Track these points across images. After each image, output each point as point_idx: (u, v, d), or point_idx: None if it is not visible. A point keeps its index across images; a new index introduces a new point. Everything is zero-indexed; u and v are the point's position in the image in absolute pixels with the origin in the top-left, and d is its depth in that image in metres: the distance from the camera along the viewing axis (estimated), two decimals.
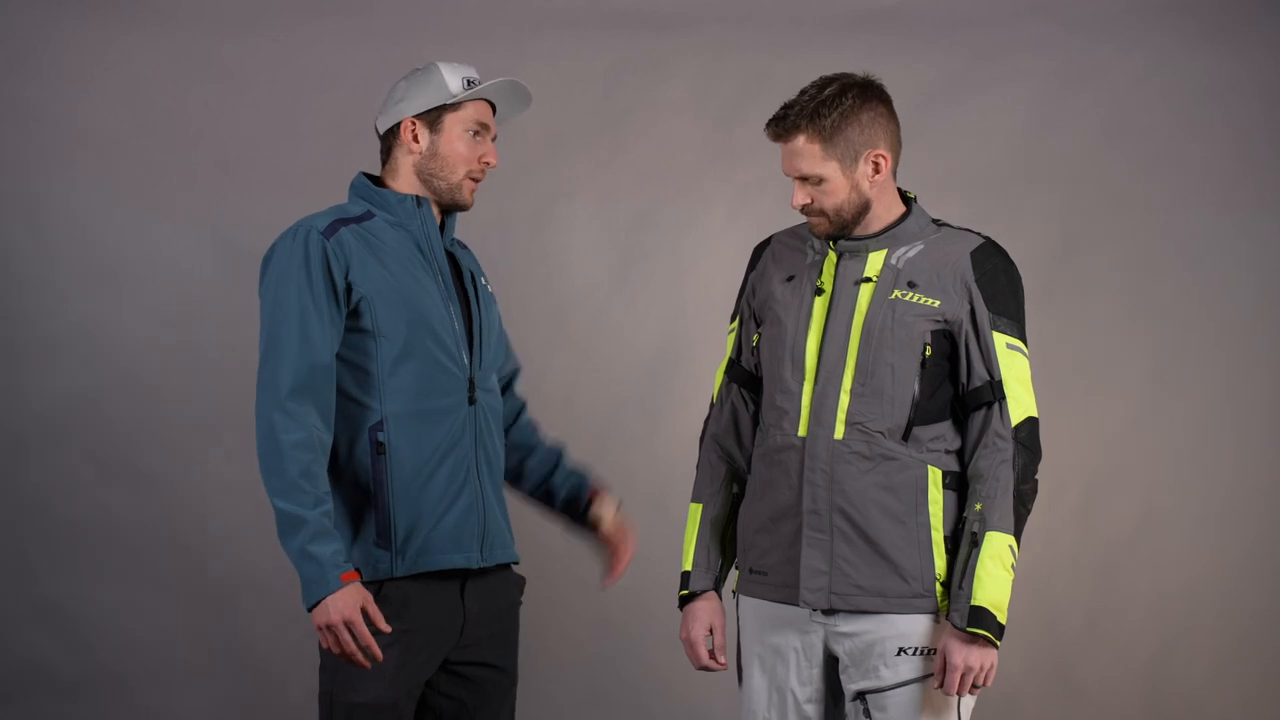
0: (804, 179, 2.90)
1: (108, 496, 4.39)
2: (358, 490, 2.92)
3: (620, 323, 4.59)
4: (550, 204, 4.56)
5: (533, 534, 4.51)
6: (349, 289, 2.90)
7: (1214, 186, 4.65)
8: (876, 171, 2.91)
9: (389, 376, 2.92)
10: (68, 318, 4.39)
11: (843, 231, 2.95)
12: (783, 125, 2.89)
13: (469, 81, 3.02)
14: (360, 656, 2.81)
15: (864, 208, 2.94)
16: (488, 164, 3.04)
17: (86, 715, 4.39)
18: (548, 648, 4.51)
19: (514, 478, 3.25)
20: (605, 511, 3.22)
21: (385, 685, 2.89)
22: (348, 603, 2.77)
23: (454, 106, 3.01)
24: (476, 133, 3.02)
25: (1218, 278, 4.64)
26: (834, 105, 2.87)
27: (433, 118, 3.01)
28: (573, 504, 3.26)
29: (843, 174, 2.90)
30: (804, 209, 2.93)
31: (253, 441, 2.85)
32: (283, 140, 4.45)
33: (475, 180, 3.04)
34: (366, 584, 2.89)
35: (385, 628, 2.81)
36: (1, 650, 4.37)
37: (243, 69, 4.46)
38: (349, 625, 2.78)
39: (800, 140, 2.88)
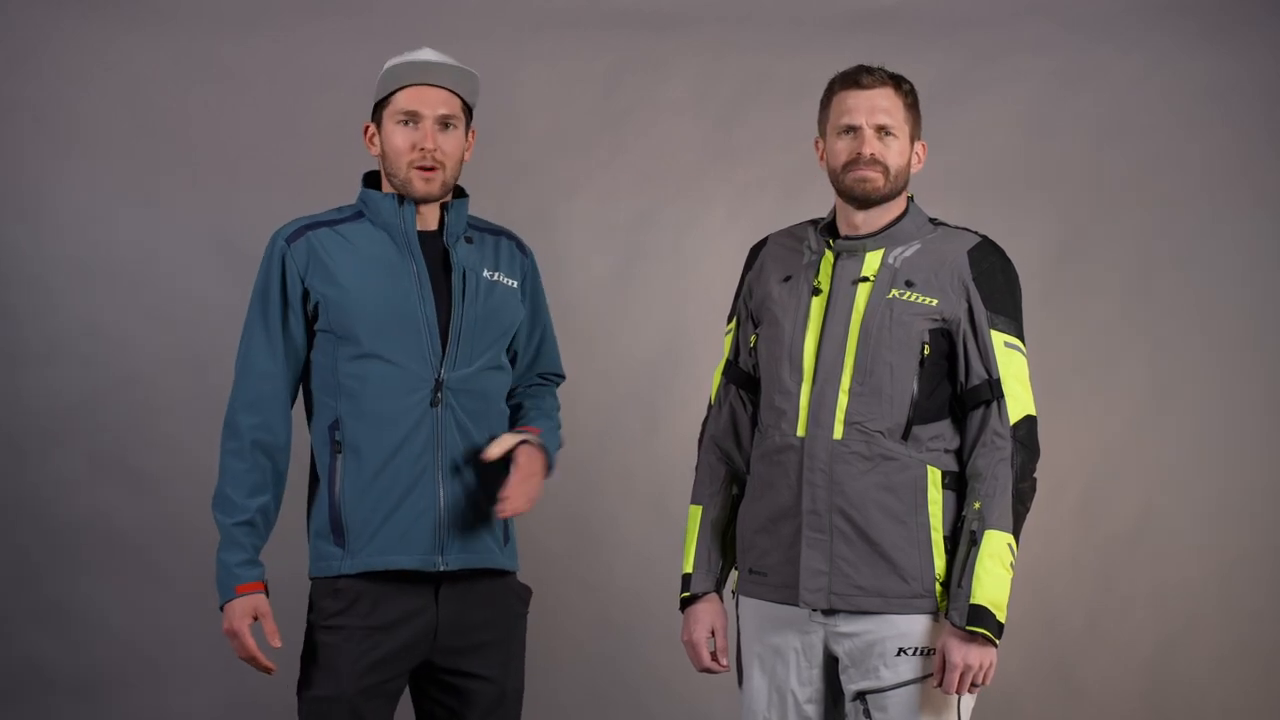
0: (880, 128, 2.93)
1: (107, 497, 4.39)
2: (318, 485, 3.01)
3: (620, 323, 4.59)
4: (550, 204, 4.56)
5: (532, 535, 4.53)
6: (306, 294, 2.97)
7: (1213, 187, 4.64)
8: (919, 160, 3.00)
9: (346, 377, 2.97)
10: (67, 318, 4.39)
11: (882, 200, 2.96)
12: (873, 75, 2.95)
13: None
14: (253, 664, 2.96)
15: (902, 188, 2.98)
16: (424, 150, 2.98)
17: (86, 715, 4.39)
18: (548, 648, 4.50)
19: None
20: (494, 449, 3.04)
21: (338, 681, 2.95)
22: (238, 613, 2.93)
23: (385, 102, 3.01)
24: (406, 121, 2.99)
25: (1217, 277, 4.64)
26: (908, 83, 2.98)
27: (378, 119, 3.03)
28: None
29: (908, 142, 2.97)
30: (871, 158, 2.92)
31: None
32: (283, 140, 4.45)
33: (424, 168, 2.99)
34: (322, 579, 2.99)
35: (276, 643, 2.95)
36: (1, 650, 4.37)
37: (243, 69, 4.46)
38: (234, 635, 2.93)
39: (890, 91, 2.95)
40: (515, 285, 3.13)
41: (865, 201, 2.95)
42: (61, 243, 4.40)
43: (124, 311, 4.41)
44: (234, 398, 3.00)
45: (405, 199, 3.01)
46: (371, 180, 3.11)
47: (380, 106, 3.02)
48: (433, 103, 3.00)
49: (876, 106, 2.94)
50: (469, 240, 3.10)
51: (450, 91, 3.03)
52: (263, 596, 2.95)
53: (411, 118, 2.99)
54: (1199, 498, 4.63)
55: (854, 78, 2.96)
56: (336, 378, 2.97)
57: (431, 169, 2.99)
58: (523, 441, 3.05)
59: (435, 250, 3.04)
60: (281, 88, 4.48)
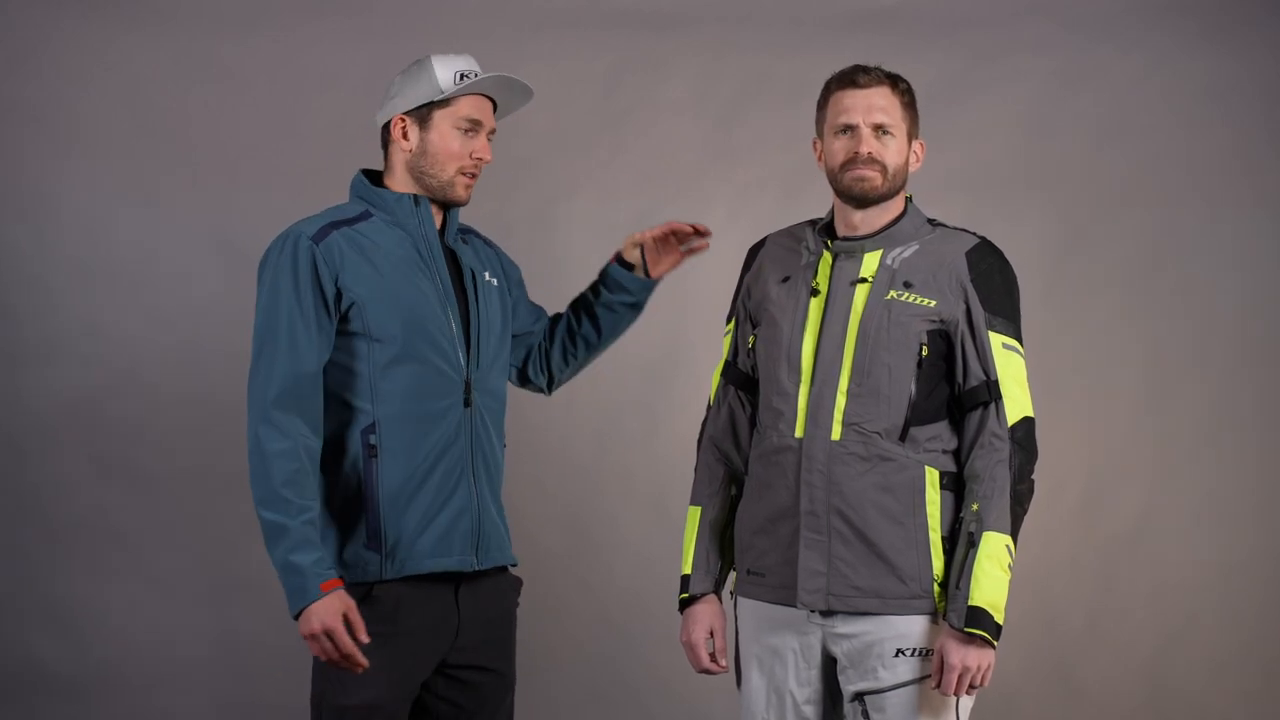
0: (878, 127, 2.92)
1: (107, 496, 4.40)
2: (349, 492, 2.92)
3: None
4: (550, 204, 4.56)
5: (532, 535, 4.53)
6: (339, 295, 2.90)
7: (1213, 186, 4.65)
8: (917, 160, 2.99)
9: (381, 380, 2.91)
10: (67, 318, 4.39)
11: (879, 200, 2.95)
12: (869, 74, 2.94)
13: (461, 75, 2.98)
14: (346, 663, 2.83)
15: (900, 187, 2.97)
16: (480, 160, 3.00)
17: (86, 715, 4.39)
18: (548, 648, 4.51)
19: (583, 342, 3.30)
20: (629, 250, 3.24)
21: (377, 688, 2.89)
22: (328, 611, 2.80)
23: (444, 103, 2.98)
24: (468, 129, 2.98)
25: (1217, 277, 4.64)
26: (905, 82, 2.98)
27: (422, 114, 2.98)
28: (604, 283, 3.26)
29: (905, 141, 2.96)
30: (869, 156, 2.92)
31: None
32: (283, 140, 4.45)
33: (468, 175, 3.00)
34: (357, 585, 2.90)
35: (364, 637, 2.83)
36: (1, 650, 4.38)
37: (243, 69, 4.46)
38: (329, 634, 2.80)
39: (886, 90, 2.94)
40: (498, 284, 3.13)
41: (863, 201, 2.94)
42: (61, 243, 4.40)
43: (124, 311, 4.41)
44: (261, 398, 2.84)
45: (421, 200, 3.00)
46: (372, 178, 3.07)
47: (434, 106, 2.97)
48: (490, 115, 3.03)
49: (873, 105, 2.93)
50: (465, 241, 3.11)
51: (494, 108, 3.06)
52: (345, 592, 2.83)
53: (475, 127, 2.99)
54: (1199, 498, 4.63)
55: (851, 77, 2.96)
56: (370, 381, 2.91)
57: (473, 177, 3.01)
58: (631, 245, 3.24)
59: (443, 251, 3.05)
60: (281, 88, 4.48)
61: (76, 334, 4.39)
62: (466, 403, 2.97)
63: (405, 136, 2.99)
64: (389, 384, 2.91)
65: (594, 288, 3.29)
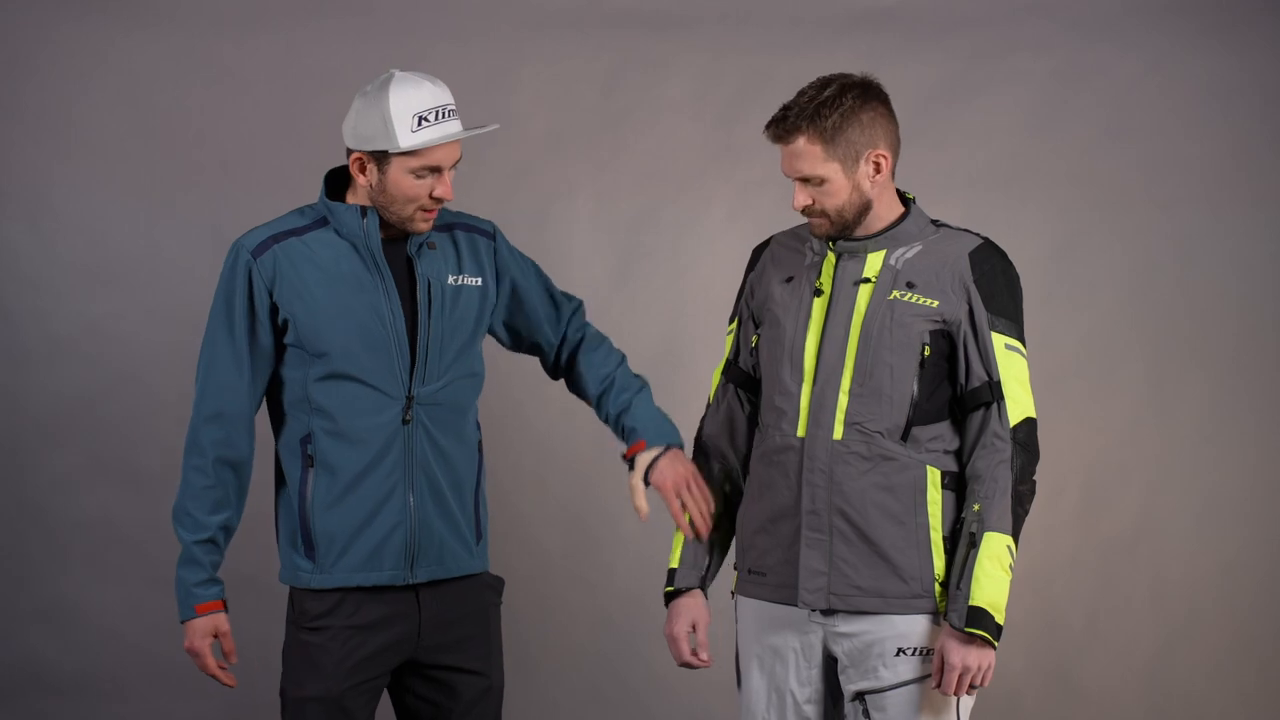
0: (805, 180, 2.88)
1: (108, 496, 4.39)
2: (292, 498, 3.00)
3: (620, 323, 4.56)
4: (550, 204, 4.56)
5: (533, 535, 4.54)
6: (274, 309, 2.92)
7: (1214, 186, 4.64)
8: (877, 171, 2.90)
9: (316, 393, 2.95)
10: (68, 318, 4.39)
11: (844, 232, 2.93)
12: (783, 126, 2.87)
13: (420, 120, 2.88)
14: (216, 679, 3.02)
15: (865, 208, 2.92)
16: (440, 199, 2.93)
17: (86, 715, 4.39)
18: (548, 648, 4.51)
19: (595, 410, 3.22)
20: (636, 486, 3.09)
21: (327, 680, 2.95)
22: (198, 633, 2.97)
23: (409, 152, 2.89)
24: (428, 174, 2.91)
25: (1217, 277, 4.64)
26: (834, 106, 2.85)
27: (379, 156, 2.90)
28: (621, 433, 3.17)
29: (844, 175, 2.88)
30: (805, 210, 2.91)
31: None
32: (283, 140, 4.45)
33: (428, 210, 2.94)
34: (295, 590, 3.01)
35: (233, 659, 3.01)
36: (1, 650, 4.37)
37: (243, 69, 4.46)
38: (195, 654, 2.98)
39: (801, 141, 2.86)
40: (479, 283, 3.07)
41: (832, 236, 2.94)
42: (61, 243, 4.40)
43: (124, 311, 4.41)
44: (196, 411, 2.96)
45: (369, 211, 2.95)
46: (333, 178, 3.03)
47: (390, 153, 2.88)
48: (454, 153, 2.95)
49: (793, 160, 2.87)
50: (432, 246, 3.03)
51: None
52: (223, 615, 2.99)
53: (435, 170, 2.92)
54: (1199, 498, 4.63)
55: (770, 128, 2.89)
56: (307, 394, 2.95)
57: (430, 212, 2.96)
58: (649, 465, 3.05)
59: (399, 258, 2.99)
60: (281, 88, 4.48)
61: (76, 334, 4.39)
62: (405, 419, 2.97)
63: (363, 172, 2.93)
64: (323, 398, 2.95)
65: (606, 416, 3.20)
